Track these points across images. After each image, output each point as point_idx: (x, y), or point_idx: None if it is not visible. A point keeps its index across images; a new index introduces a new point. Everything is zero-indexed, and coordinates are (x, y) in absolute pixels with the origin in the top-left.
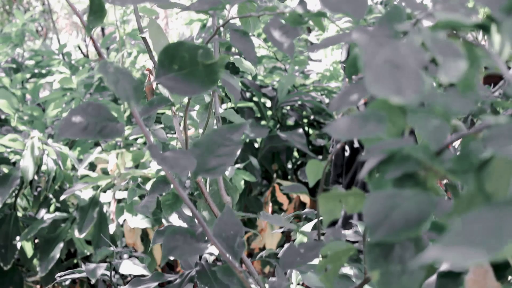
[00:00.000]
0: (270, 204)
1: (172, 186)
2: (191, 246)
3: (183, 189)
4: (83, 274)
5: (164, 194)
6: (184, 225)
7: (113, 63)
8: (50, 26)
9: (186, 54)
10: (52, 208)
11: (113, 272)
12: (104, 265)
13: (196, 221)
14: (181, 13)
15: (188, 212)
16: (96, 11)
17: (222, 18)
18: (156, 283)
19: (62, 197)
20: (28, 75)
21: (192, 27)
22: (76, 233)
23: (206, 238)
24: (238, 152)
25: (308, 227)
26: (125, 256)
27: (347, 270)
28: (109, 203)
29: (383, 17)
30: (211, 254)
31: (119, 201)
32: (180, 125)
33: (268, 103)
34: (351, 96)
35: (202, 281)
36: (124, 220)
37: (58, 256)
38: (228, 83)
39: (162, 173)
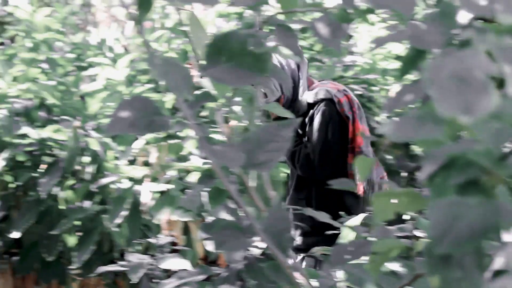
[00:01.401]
0: None
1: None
2: (239, 241)
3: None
4: (121, 268)
5: (209, 188)
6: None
7: (161, 55)
8: (89, 19)
9: (236, 44)
10: (96, 199)
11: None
12: (147, 260)
13: (240, 215)
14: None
15: (233, 206)
16: (144, 3)
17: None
18: (202, 277)
19: (97, 186)
20: (69, 68)
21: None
22: (107, 223)
23: (253, 233)
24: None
25: (353, 222)
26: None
27: (395, 267)
28: (146, 194)
29: (434, 15)
30: (257, 248)
31: (160, 193)
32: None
33: None
34: (406, 96)
35: (250, 276)
36: (164, 213)
37: (94, 247)
38: (278, 72)
39: (204, 166)
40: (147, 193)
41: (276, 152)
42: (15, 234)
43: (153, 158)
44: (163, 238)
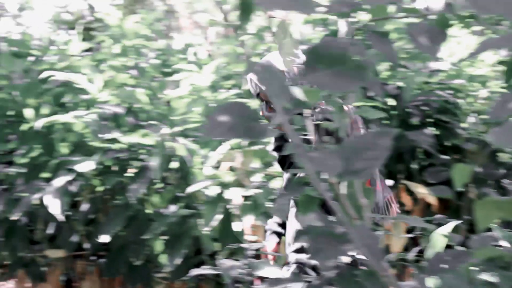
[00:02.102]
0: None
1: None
2: (335, 249)
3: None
4: (214, 272)
5: (299, 195)
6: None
7: (260, 62)
8: (172, 26)
9: (335, 52)
10: (181, 204)
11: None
12: (239, 264)
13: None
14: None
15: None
16: (245, 10)
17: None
18: (295, 284)
19: (186, 191)
20: (156, 74)
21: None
22: (202, 228)
23: (348, 241)
24: (385, 157)
25: (445, 229)
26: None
27: (490, 277)
28: (234, 200)
29: None
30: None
31: (244, 198)
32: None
33: (391, 102)
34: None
35: (342, 284)
36: (247, 218)
37: (185, 251)
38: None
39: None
40: (238, 198)
41: (374, 161)
42: (105, 238)
43: (238, 163)
44: (254, 244)
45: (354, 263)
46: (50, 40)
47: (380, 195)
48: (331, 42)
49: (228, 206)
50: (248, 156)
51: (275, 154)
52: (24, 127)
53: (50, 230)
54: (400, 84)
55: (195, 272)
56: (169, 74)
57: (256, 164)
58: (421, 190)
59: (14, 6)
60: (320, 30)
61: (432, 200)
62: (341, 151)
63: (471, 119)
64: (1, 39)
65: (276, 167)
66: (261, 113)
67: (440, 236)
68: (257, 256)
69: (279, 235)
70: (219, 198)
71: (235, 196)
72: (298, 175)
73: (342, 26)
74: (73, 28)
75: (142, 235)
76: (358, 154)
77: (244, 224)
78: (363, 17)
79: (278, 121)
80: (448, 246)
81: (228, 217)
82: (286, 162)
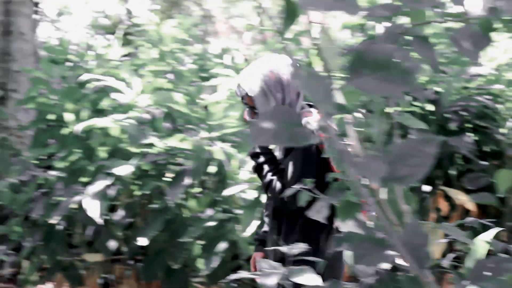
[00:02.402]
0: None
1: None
2: (379, 254)
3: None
4: (253, 277)
5: (340, 200)
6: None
7: (305, 67)
8: (209, 30)
9: (380, 57)
10: (218, 208)
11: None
12: (279, 270)
13: (371, 228)
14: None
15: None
16: (290, 14)
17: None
18: None
19: (223, 194)
20: (191, 79)
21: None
22: (240, 233)
23: (391, 246)
24: (430, 164)
25: (486, 236)
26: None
27: None
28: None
29: None
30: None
31: None
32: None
33: (429, 107)
34: None
35: None
36: None
37: (222, 255)
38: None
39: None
40: None
41: (418, 168)
42: (143, 241)
43: None
44: (296, 248)
45: (394, 269)
46: (88, 45)
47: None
48: (376, 47)
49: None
50: None
51: (252, 160)
52: (64, 131)
53: (88, 234)
54: (439, 89)
55: (234, 277)
56: (206, 78)
57: None
58: (460, 196)
59: (53, 12)
60: (358, 35)
61: (471, 206)
62: (386, 157)
63: (510, 124)
64: (40, 45)
65: (252, 173)
66: (244, 117)
67: (482, 243)
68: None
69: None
70: (257, 202)
71: None
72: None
73: (381, 31)
74: (110, 33)
75: (179, 239)
76: (403, 160)
77: None
78: (401, 21)
79: (321, 125)
80: (490, 253)
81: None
82: (262, 169)
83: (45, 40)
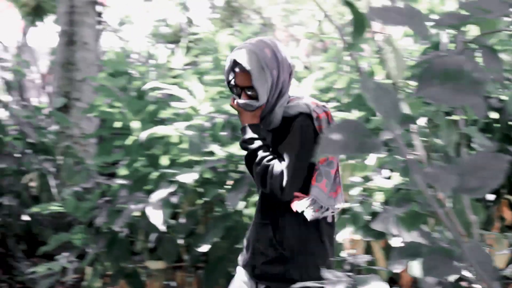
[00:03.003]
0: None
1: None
2: (449, 266)
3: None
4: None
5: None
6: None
7: (374, 79)
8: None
9: (451, 68)
10: None
11: None
12: (345, 279)
13: (435, 239)
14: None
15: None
16: (359, 26)
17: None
18: None
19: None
20: None
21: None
22: None
23: (460, 258)
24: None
25: None
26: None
27: None
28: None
29: None
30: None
31: (342, 211)
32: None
33: (493, 115)
34: None
35: None
36: (346, 231)
37: None
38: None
39: (387, 187)
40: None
41: (489, 180)
42: (204, 248)
43: None
44: (359, 257)
45: (458, 279)
46: (149, 54)
47: (340, 197)
48: (447, 59)
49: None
50: (347, 169)
51: (244, 147)
52: (129, 139)
53: (151, 241)
54: (504, 97)
55: (298, 285)
56: None
57: (355, 177)
58: None
59: (115, 21)
60: (421, 42)
61: None
62: (456, 168)
63: None
64: (103, 54)
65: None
66: (232, 102)
67: None
68: (358, 270)
69: None
70: None
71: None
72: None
73: (445, 39)
74: (171, 42)
75: (240, 246)
76: (473, 172)
77: (342, 237)
78: (467, 29)
79: (390, 135)
80: None
81: None
82: (256, 156)
83: (107, 49)
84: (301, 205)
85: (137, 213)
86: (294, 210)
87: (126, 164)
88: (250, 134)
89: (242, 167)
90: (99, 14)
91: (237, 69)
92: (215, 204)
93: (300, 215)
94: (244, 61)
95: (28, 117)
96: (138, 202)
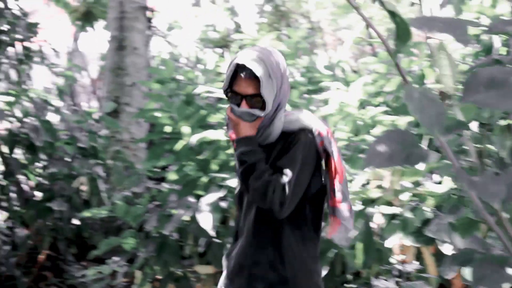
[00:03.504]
0: None
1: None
2: (501, 275)
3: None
4: None
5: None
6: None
7: (418, 88)
8: (316, 42)
9: (498, 76)
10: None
11: None
12: (393, 286)
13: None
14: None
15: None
16: (402, 35)
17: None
18: None
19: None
20: (300, 91)
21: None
22: (341, 245)
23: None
24: None
25: None
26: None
27: None
28: (377, 218)
29: None
30: None
31: (392, 217)
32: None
33: None
34: None
35: None
36: (395, 237)
37: (328, 268)
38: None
39: (439, 192)
40: (379, 216)
41: None
42: None
43: (387, 182)
44: (409, 264)
45: None
46: (197, 58)
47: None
48: (493, 70)
49: (371, 224)
50: (397, 175)
51: (242, 160)
52: (179, 144)
53: (200, 246)
54: None
55: None
56: (315, 91)
57: (405, 182)
58: None
59: (163, 26)
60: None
61: None
62: (506, 177)
63: None
64: (152, 59)
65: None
66: (229, 111)
67: None
68: (407, 277)
69: None
70: (361, 214)
71: (379, 213)
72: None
73: (497, 43)
74: (219, 47)
75: None
76: None
77: (391, 244)
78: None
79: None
80: None
81: (370, 235)
82: (255, 170)
83: (157, 54)
84: (338, 235)
85: (187, 218)
86: (331, 237)
87: (176, 168)
88: (250, 145)
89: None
90: (149, 20)
91: (242, 75)
92: None
93: (298, 233)
94: (254, 67)
95: (79, 122)
96: (188, 207)
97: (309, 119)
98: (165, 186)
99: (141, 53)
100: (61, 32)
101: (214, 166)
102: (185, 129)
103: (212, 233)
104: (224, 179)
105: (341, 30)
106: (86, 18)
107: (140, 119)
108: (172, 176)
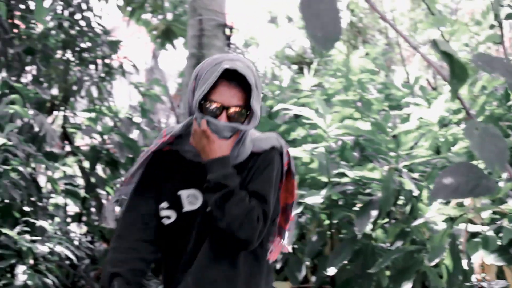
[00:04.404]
0: None
1: None
2: None
3: None
4: None
5: None
6: None
7: (480, 123)
8: (393, 59)
9: None
10: (407, 239)
11: None
12: None
13: None
14: None
15: None
16: (459, 75)
17: None
18: None
19: (412, 225)
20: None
21: None
22: (426, 261)
23: None
24: None
25: None
26: None
27: None
28: (461, 236)
29: None
30: None
31: (473, 235)
32: None
33: None
34: None
35: None
36: (477, 255)
37: (410, 286)
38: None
39: None
40: (464, 234)
41: None
42: (331, 271)
43: (467, 199)
44: (494, 282)
45: None
46: (274, 75)
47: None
48: None
49: (456, 242)
50: None
51: (218, 185)
52: None
53: (278, 261)
54: None
55: None
56: (394, 107)
57: (486, 200)
58: None
59: (241, 43)
60: None
61: None
62: None
63: None
64: None
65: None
66: (204, 125)
67: None
68: None
69: None
70: (446, 233)
71: (462, 232)
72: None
73: None
74: (295, 63)
75: (368, 269)
76: None
77: (473, 262)
78: None
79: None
80: None
81: (457, 253)
82: (232, 195)
83: None
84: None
85: None
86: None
87: None
88: (227, 167)
89: (371, 190)
90: (228, 37)
91: (226, 83)
92: (342, 226)
93: (253, 253)
94: (247, 74)
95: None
96: None
97: (276, 137)
98: None
99: None
100: (140, 50)
101: None
102: None
103: (289, 249)
104: (302, 195)
105: (419, 46)
106: (165, 36)
107: None
108: None
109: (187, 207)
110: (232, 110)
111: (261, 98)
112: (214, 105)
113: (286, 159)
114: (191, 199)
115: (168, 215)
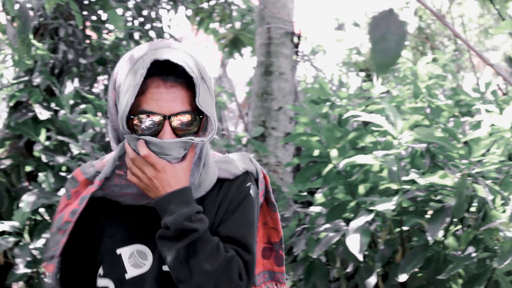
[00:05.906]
0: None
1: None
2: None
3: None
4: None
5: None
6: None
7: None
8: (463, 64)
9: None
10: (480, 246)
11: None
12: None
13: None
14: None
15: None
16: None
17: None
18: None
19: (482, 230)
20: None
21: None
22: (495, 264)
23: None
24: None
25: None
26: None
27: None
28: None
29: None
30: None
31: None
32: None
33: None
34: None
35: None
36: None
37: None
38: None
39: None
40: None
41: None
42: (402, 278)
43: None
44: None
45: None
46: (341, 82)
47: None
48: None
49: None
50: None
51: (187, 231)
52: (328, 167)
53: (349, 269)
54: None
55: None
56: (465, 114)
57: None
58: None
59: (308, 50)
60: None
61: None
62: None
63: None
64: (298, 83)
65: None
66: (144, 148)
67: None
68: None
69: None
70: None
71: None
72: None
73: None
74: (363, 70)
75: (439, 277)
76: None
77: None
78: None
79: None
80: None
81: None
82: (202, 242)
83: (301, 78)
84: None
85: (334, 241)
86: None
87: (324, 192)
88: (190, 203)
89: (442, 197)
90: (296, 45)
91: (159, 82)
92: (413, 234)
93: None
94: (188, 62)
95: (228, 146)
96: (336, 230)
97: (248, 158)
98: (312, 209)
99: (288, 78)
100: (208, 59)
101: (362, 190)
102: (334, 152)
103: (360, 256)
104: (372, 203)
105: (488, 51)
106: (233, 44)
107: (288, 143)
108: (320, 199)
109: (132, 272)
110: (176, 119)
111: (214, 94)
112: (149, 118)
113: (262, 188)
114: (135, 260)
115: (104, 286)
